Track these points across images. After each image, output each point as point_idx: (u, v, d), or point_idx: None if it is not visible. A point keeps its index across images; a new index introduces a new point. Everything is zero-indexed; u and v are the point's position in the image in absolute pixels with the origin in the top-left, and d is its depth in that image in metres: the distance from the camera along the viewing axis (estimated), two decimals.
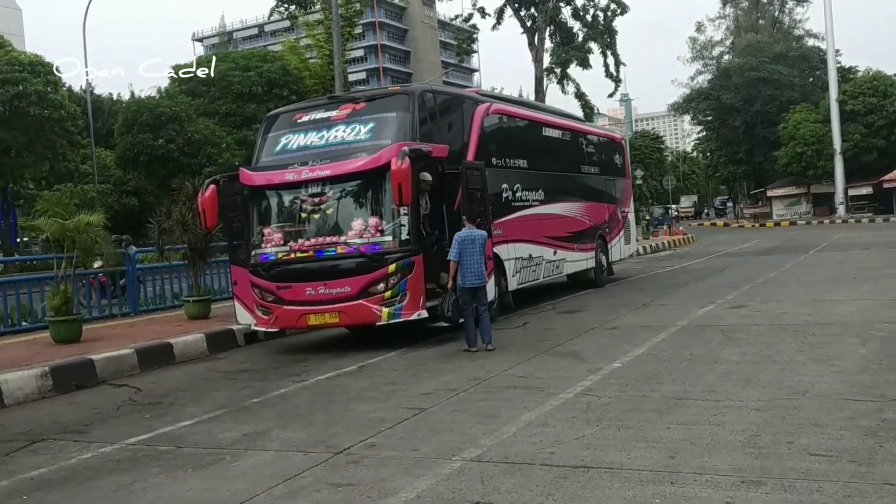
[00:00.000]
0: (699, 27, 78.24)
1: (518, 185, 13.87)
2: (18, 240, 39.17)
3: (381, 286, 10.49)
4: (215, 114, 38.60)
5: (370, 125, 11.01)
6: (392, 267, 10.42)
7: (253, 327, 11.65)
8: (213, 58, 41.48)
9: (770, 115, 63.07)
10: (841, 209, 56.49)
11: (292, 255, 10.96)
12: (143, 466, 6.02)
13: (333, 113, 11.39)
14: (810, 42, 72.43)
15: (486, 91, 21.28)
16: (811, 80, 65.59)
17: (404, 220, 10.55)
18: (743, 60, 64.95)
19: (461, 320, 10.16)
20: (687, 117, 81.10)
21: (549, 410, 6.76)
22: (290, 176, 10.89)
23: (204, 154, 35.98)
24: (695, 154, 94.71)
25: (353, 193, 10.96)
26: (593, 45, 39.74)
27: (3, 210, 35.53)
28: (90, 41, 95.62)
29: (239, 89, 38.77)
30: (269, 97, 39.36)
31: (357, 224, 10.69)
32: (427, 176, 10.70)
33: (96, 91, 50.95)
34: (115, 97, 57.17)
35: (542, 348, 9.98)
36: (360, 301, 10.54)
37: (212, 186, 11.31)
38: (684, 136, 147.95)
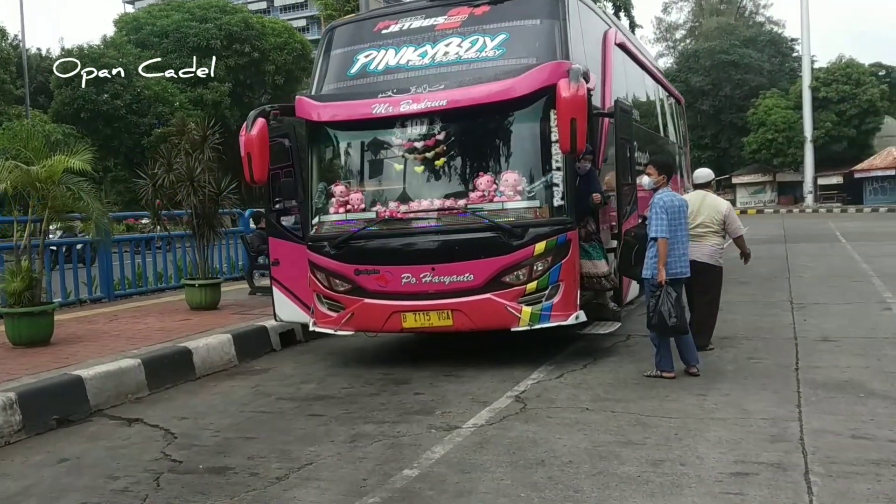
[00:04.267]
0: (666, 8, 76.30)
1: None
2: None
3: (523, 273, 7.12)
4: (168, 68, 34.07)
5: (500, 37, 7.54)
6: (540, 246, 7.05)
7: (312, 327, 8.10)
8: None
9: (737, 101, 61.46)
10: (809, 198, 55.27)
11: (381, 226, 7.47)
12: None
13: (440, 20, 7.86)
14: (766, 28, 71.12)
15: None
16: (783, 65, 64.29)
17: (558, 176, 7.17)
18: (713, 43, 63.12)
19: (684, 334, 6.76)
20: None
21: None
22: (381, 108, 7.37)
23: (154, 113, 31.66)
24: None
25: (481, 135, 7.54)
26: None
27: None
28: None
29: (195, 42, 34.40)
30: (228, 52, 35.25)
31: (485, 181, 7.27)
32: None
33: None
34: (43, 53, 51.40)
35: (785, 374, 6.78)
36: (489, 295, 7.15)
37: (261, 120, 7.68)
38: None
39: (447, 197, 7.37)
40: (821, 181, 56.25)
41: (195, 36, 34.28)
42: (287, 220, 8.59)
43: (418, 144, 7.43)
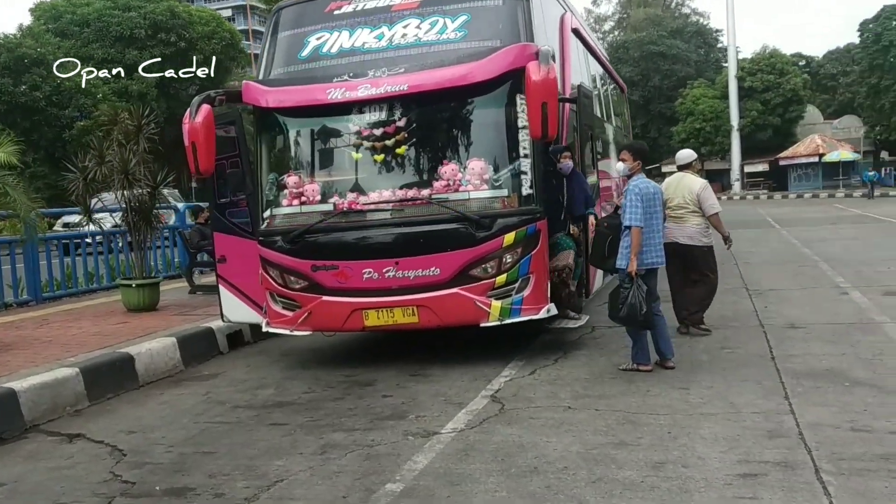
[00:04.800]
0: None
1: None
2: None
3: (492, 266, 6.77)
4: (89, 59, 32.61)
5: (461, 18, 7.14)
6: (509, 237, 6.71)
7: (265, 328, 7.58)
8: None
9: (666, 91, 62.51)
10: (736, 186, 56.60)
11: (339, 219, 7.03)
12: None
13: (396, 0, 7.40)
14: (693, 20, 72.51)
15: None
16: (709, 56, 65.65)
17: (526, 164, 6.83)
18: (641, 34, 64.01)
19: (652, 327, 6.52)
20: None
21: None
22: (337, 93, 6.91)
23: (76, 105, 30.20)
24: None
25: (445, 121, 7.16)
26: None
27: None
28: None
29: (118, 31, 32.98)
30: (153, 42, 33.93)
31: (449, 170, 6.88)
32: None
33: None
34: None
35: (763, 364, 6.61)
36: (457, 290, 6.78)
37: (206, 107, 7.11)
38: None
39: (410, 187, 6.97)
40: (747, 169, 57.64)
41: (118, 25, 32.82)
42: (234, 214, 8.04)
43: (378, 131, 6.99)
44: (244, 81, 7.51)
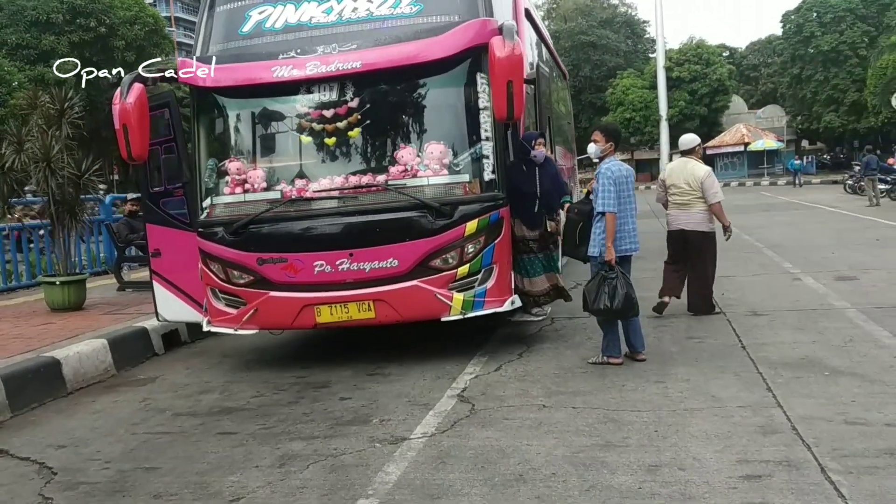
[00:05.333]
0: None
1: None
2: None
3: (453, 257, 6.35)
4: (2, 45, 30.89)
5: None
6: (471, 225, 6.30)
7: (206, 327, 7.01)
8: None
9: (596, 81, 62.99)
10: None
11: (287, 208, 6.52)
12: None
13: None
14: (621, 10, 73.33)
15: None
16: (637, 46, 66.46)
17: (488, 147, 6.43)
18: (572, 24, 64.35)
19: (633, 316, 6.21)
20: None
21: None
22: (284, 71, 6.37)
23: None
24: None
25: (402, 101, 6.67)
26: None
27: None
28: None
29: (34, 16, 31.30)
30: (71, 27, 32.34)
31: (406, 154, 6.43)
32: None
33: None
34: None
35: (735, 354, 6.40)
36: (416, 282, 6.35)
37: (138, 86, 6.48)
38: None
39: (364, 173, 6.49)
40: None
41: (33, 9, 31.05)
42: (170, 205, 7.43)
43: (328, 113, 6.48)
44: (179, 58, 6.88)
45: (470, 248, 6.34)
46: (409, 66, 6.28)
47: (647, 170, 60.72)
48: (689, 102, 56.77)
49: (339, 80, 6.43)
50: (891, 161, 27.78)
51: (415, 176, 6.39)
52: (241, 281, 6.62)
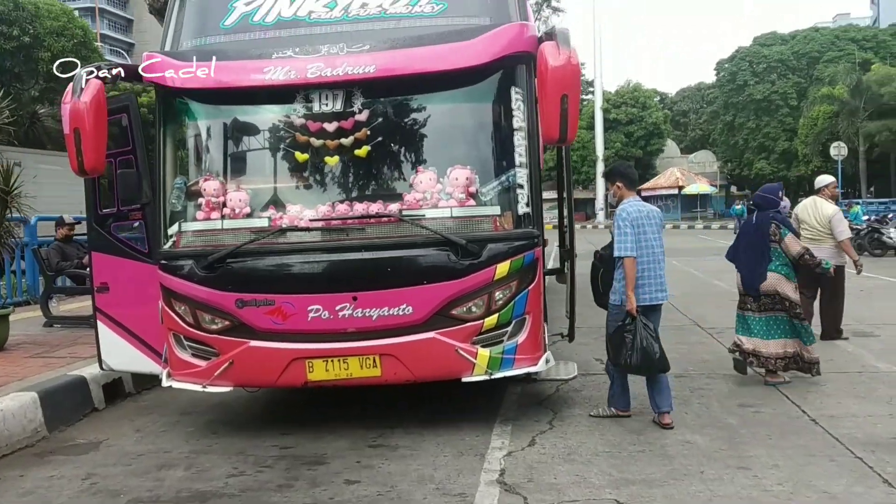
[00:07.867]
0: None
1: None
2: None
3: (479, 304, 5.24)
4: None
5: None
6: (503, 267, 5.23)
7: (166, 381, 5.69)
8: None
9: None
10: (601, 215, 57.66)
11: (276, 238, 5.33)
12: None
13: None
14: None
15: None
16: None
17: (522, 175, 5.38)
18: None
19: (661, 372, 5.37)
20: None
21: None
22: (279, 72, 5.21)
23: None
24: None
25: (422, 116, 5.54)
26: None
27: None
28: None
29: None
30: None
31: (426, 179, 5.33)
32: None
33: None
34: None
35: (809, 429, 5.46)
36: (433, 334, 5.22)
37: (96, 82, 5.22)
38: None
39: (374, 200, 5.34)
40: (610, 199, 59.01)
41: None
42: (121, 229, 6.14)
43: (331, 126, 5.34)
44: (145, 53, 5.63)
45: (499, 295, 5.26)
46: (434, 74, 5.20)
47: (583, 209, 60.98)
48: (624, 144, 57.43)
49: (347, 87, 5.30)
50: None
51: (435, 206, 5.28)
52: (215, 326, 5.37)
